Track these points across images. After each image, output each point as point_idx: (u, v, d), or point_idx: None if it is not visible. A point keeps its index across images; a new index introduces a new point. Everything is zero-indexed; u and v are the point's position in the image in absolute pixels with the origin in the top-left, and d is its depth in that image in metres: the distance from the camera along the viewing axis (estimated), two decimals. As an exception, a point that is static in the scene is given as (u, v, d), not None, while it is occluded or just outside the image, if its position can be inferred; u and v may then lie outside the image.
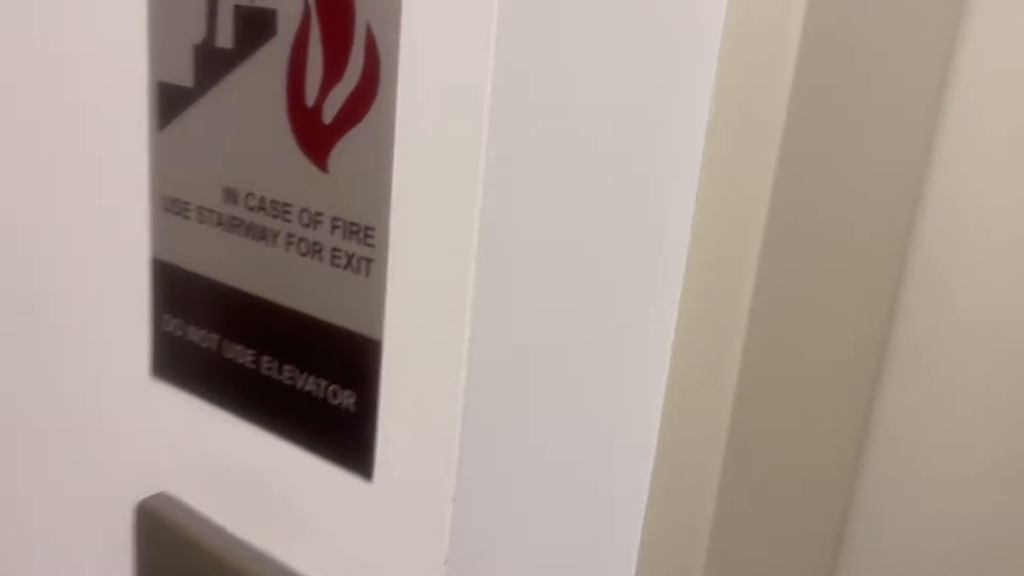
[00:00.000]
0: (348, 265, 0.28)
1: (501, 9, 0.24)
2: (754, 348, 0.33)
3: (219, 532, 0.35)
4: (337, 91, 0.27)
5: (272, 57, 0.29)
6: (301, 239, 0.29)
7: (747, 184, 0.31)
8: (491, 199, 0.25)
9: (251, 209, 0.30)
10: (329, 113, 0.28)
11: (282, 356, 0.31)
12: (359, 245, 0.28)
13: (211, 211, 0.32)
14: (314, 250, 0.29)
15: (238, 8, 0.29)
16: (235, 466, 0.34)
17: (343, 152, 0.28)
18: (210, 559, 0.34)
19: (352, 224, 0.28)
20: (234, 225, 0.31)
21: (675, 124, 0.30)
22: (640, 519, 0.35)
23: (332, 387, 0.30)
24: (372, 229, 0.27)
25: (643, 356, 0.33)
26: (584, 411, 0.31)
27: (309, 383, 0.30)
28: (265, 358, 0.31)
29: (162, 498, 0.37)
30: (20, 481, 0.44)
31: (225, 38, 0.30)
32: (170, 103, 0.32)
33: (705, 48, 0.30)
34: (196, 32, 0.31)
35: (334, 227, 0.28)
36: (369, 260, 0.28)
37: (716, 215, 0.32)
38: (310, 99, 0.28)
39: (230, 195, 0.31)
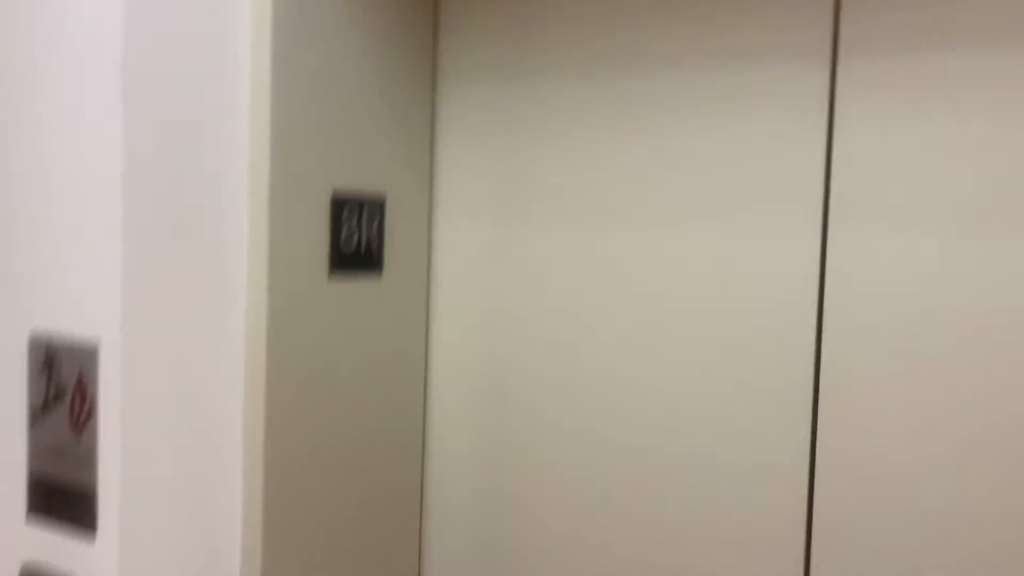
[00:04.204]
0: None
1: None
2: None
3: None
4: (83, 415, 0.86)
5: (63, 406, 0.88)
6: (74, 462, 0.88)
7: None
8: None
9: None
10: (81, 418, 0.87)
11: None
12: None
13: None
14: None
15: (45, 398, 0.88)
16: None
17: (87, 431, 0.86)
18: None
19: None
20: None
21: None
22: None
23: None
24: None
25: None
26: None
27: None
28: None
29: None
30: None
31: (37, 406, 0.89)
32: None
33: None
34: (33, 406, 0.89)
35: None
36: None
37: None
38: (77, 418, 0.87)
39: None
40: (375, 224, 1.08)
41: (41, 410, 0.91)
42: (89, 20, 0.85)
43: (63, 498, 0.90)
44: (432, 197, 1.20)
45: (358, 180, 1.06)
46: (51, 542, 0.91)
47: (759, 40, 0.98)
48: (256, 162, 0.95)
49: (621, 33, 1.06)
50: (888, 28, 0.92)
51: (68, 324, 0.89)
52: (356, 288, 1.07)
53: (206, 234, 0.92)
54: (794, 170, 0.96)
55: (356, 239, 1.05)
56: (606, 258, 1.09)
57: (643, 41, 1.05)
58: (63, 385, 0.90)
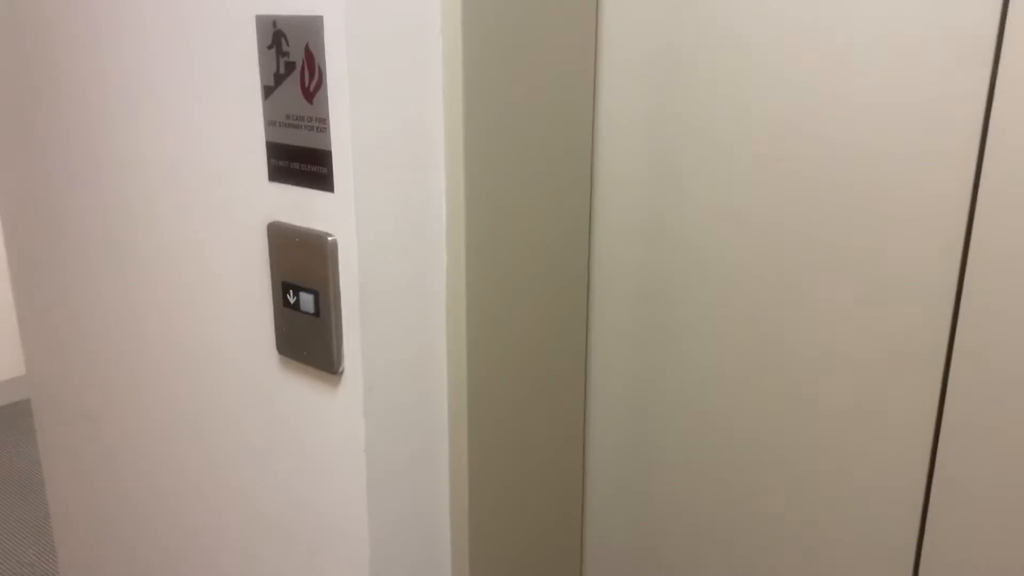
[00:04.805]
0: (323, 134, 0.95)
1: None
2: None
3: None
4: (314, 84, 0.94)
5: (293, 78, 0.95)
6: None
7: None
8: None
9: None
10: (312, 88, 0.94)
11: (306, 167, 0.98)
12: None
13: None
14: (312, 131, 0.96)
15: (276, 72, 0.96)
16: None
17: (318, 98, 0.94)
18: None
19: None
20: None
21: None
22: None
23: (322, 173, 0.97)
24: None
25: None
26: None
27: (315, 174, 0.98)
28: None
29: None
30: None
31: (269, 80, 0.96)
32: (265, 95, 0.98)
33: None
34: (265, 80, 0.97)
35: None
36: (329, 132, 0.95)
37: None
38: (308, 88, 0.94)
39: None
40: None
41: (274, 83, 0.99)
42: None
43: (300, 161, 1.00)
44: None
45: None
46: (292, 202, 1.02)
47: None
48: None
49: None
50: None
51: (291, 3, 0.95)
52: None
53: None
54: None
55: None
56: None
57: None
58: (292, 59, 0.97)
